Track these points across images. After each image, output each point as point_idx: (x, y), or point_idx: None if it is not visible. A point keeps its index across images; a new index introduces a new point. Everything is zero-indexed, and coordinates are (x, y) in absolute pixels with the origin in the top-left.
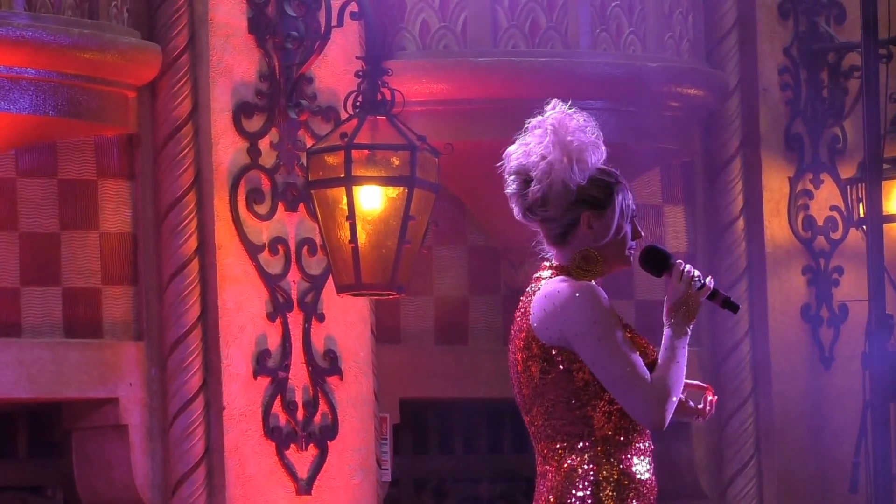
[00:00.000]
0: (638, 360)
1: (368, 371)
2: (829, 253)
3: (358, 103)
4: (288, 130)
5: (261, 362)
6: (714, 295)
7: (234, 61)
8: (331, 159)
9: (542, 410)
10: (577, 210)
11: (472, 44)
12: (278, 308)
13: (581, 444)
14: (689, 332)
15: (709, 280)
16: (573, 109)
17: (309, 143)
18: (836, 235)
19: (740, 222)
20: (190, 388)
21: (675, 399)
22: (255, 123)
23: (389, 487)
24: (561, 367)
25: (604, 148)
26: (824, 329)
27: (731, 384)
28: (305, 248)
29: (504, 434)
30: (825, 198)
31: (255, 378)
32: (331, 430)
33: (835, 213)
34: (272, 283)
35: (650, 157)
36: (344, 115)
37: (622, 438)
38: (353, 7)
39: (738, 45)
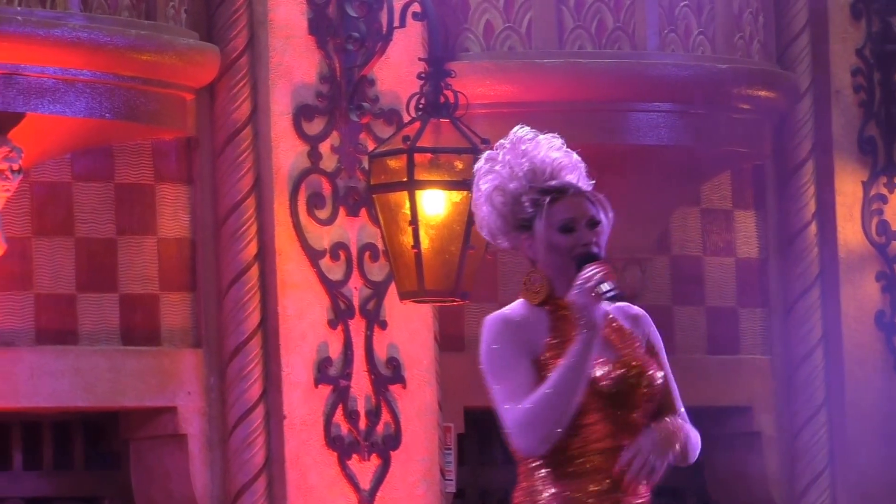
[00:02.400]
0: (512, 389)
1: (432, 379)
2: None
3: (420, 106)
4: (349, 133)
5: (322, 370)
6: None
7: (294, 63)
8: (393, 163)
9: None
10: (517, 236)
11: (537, 45)
12: (340, 315)
13: (526, 470)
14: (587, 343)
15: (592, 282)
16: (525, 132)
17: (371, 146)
18: None
19: (812, 227)
20: (250, 397)
21: (539, 425)
22: (315, 126)
23: (454, 498)
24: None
25: (556, 163)
26: None
27: (804, 393)
28: (367, 253)
29: None
30: None
31: (316, 386)
32: (394, 440)
33: None
34: (333, 289)
35: (720, 160)
36: (406, 118)
37: (557, 463)
38: (416, 7)
39: (810, 46)
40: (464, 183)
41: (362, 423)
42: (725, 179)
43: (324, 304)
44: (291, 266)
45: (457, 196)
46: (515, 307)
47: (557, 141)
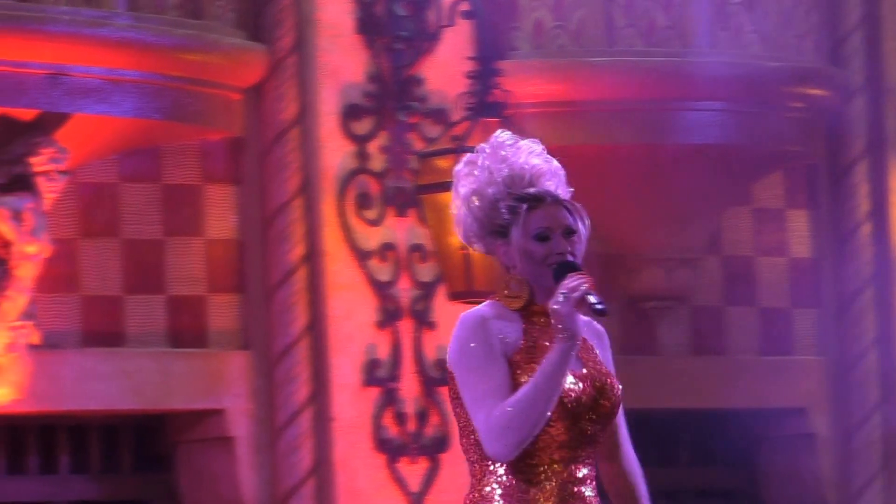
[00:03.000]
0: (489, 391)
1: None
2: None
3: (469, 105)
4: (397, 133)
5: (370, 372)
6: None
7: (342, 62)
8: (441, 163)
9: (459, 432)
10: (492, 242)
11: (587, 43)
12: (388, 316)
13: (481, 472)
14: (565, 353)
15: (577, 293)
16: (506, 137)
17: (419, 146)
18: None
19: (866, 227)
20: (298, 399)
21: (518, 428)
22: (363, 126)
23: None
24: (459, 395)
25: (535, 169)
26: None
27: (858, 394)
28: (416, 254)
29: None
30: None
31: (364, 388)
32: (443, 442)
33: None
34: (382, 290)
35: (772, 159)
36: (455, 118)
37: (514, 469)
38: (465, 5)
39: (863, 44)
40: None
41: (411, 425)
42: (777, 178)
43: (372, 305)
44: (339, 267)
45: None
46: (490, 307)
47: (538, 147)
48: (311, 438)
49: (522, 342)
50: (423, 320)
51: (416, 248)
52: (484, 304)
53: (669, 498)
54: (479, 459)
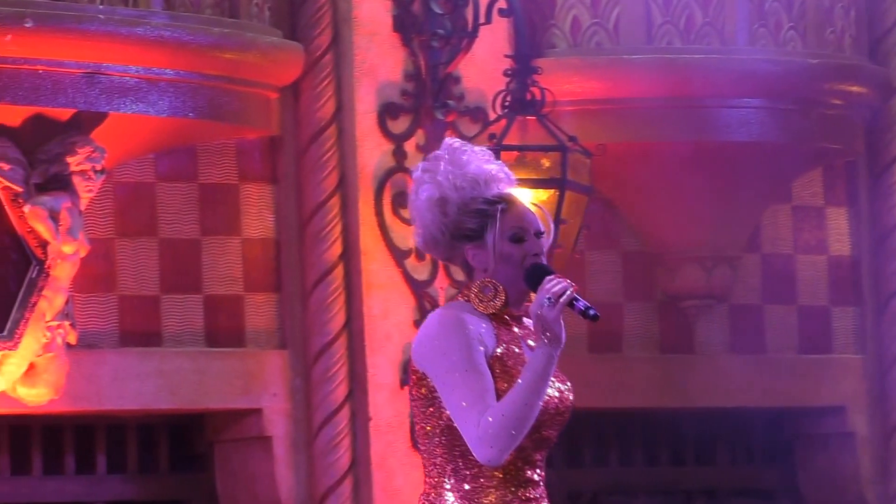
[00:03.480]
0: (479, 393)
1: None
2: None
3: (507, 103)
4: (434, 132)
5: (407, 371)
6: (572, 305)
7: (379, 60)
8: None
9: (423, 433)
10: (459, 246)
11: (625, 41)
12: (425, 315)
13: (446, 480)
14: (552, 357)
15: (563, 297)
16: (459, 143)
17: None
18: None
19: None
20: (335, 399)
21: (511, 433)
22: (400, 124)
23: None
24: (430, 396)
25: (491, 174)
26: None
27: None
28: None
29: (661, 446)
30: None
31: (402, 388)
32: None
33: None
34: (419, 289)
35: (811, 156)
36: (492, 116)
37: (471, 474)
38: (502, 3)
39: None
40: (551, 181)
41: None
42: (817, 176)
43: (409, 304)
44: (376, 266)
45: (544, 194)
46: (460, 308)
47: (489, 153)
48: (348, 438)
49: (497, 347)
50: None
51: None
52: (453, 303)
53: (708, 496)
54: (443, 462)
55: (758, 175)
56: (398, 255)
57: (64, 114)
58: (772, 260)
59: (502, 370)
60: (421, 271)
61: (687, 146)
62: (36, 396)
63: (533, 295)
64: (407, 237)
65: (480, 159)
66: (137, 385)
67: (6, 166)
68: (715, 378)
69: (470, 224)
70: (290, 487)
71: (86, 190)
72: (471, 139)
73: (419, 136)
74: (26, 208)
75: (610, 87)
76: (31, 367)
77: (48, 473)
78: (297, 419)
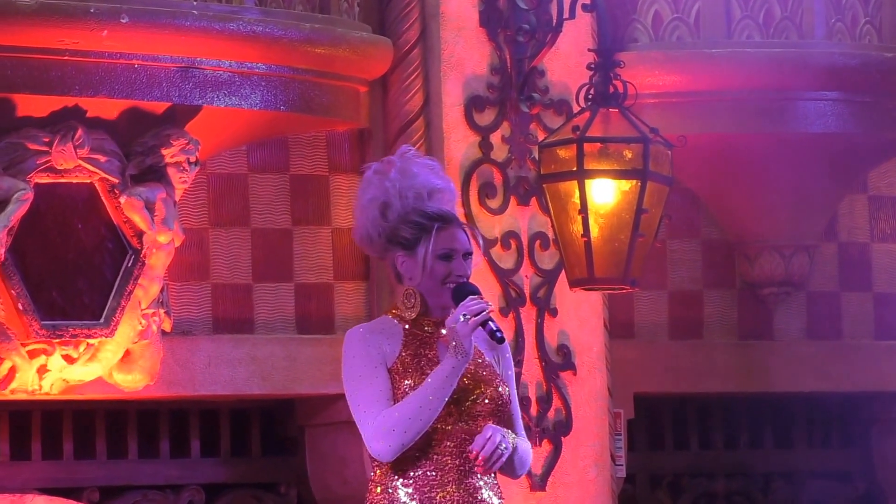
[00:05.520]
0: (374, 397)
1: (602, 366)
2: None
3: (590, 96)
4: (520, 124)
5: None
6: (484, 325)
7: (466, 55)
8: (563, 153)
9: None
10: (391, 250)
11: (706, 35)
12: (511, 303)
13: (371, 472)
14: (456, 368)
15: (478, 316)
16: (413, 153)
17: (541, 136)
18: None
19: None
20: None
21: (403, 432)
22: (486, 117)
23: (624, 483)
24: None
25: (437, 188)
26: None
27: None
28: (538, 242)
29: (740, 429)
30: None
31: None
32: (565, 426)
33: None
34: (505, 277)
35: (886, 147)
36: (576, 108)
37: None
38: None
39: None
40: (633, 172)
41: (534, 410)
42: (892, 166)
43: (495, 291)
44: None
45: (626, 185)
46: (375, 323)
47: (438, 165)
48: None
49: (402, 352)
50: (545, 306)
51: (537, 236)
52: (376, 319)
53: (786, 479)
54: (381, 463)
55: (834, 165)
56: (484, 244)
57: (159, 107)
58: (848, 248)
59: (406, 371)
60: (506, 260)
61: (765, 138)
62: (132, 382)
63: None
64: (493, 226)
65: (430, 172)
66: (230, 371)
67: (103, 158)
68: (792, 363)
69: (405, 234)
70: None
71: (180, 181)
72: (554, 131)
73: (504, 129)
74: (122, 199)
75: (690, 80)
76: (127, 353)
77: (143, 457)
78: None
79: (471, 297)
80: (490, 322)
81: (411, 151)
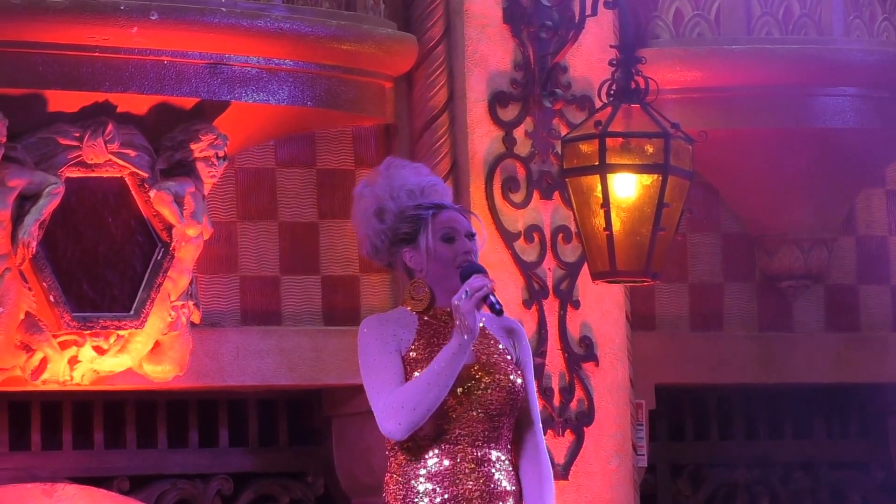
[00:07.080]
0: (386, 381)
1: (624, 357)
2: None
3: (612, 91)
4: (542, 119)
5: None
6: (485, 300)
7: (489, 51)
8: (585, 147)
9: None
10: (397, 250)
11: (726, 31)
12: (534, 295)
13: (395, 456)
14: (462, 345)
15: (479, 292)
16: (398, 161)
17: (563, 131)
18: None
19: None
20: None
21: (412, 409)
22: (509, 112)
23: (646, 473)
24: None
25: (430, 184)
26: None
27: None
28: (560, 235)
29: (760, 420)
30: None
31: None
32: (587, 416)
33: None
34: (528, 270)
35: None
36: (598, 104)
37: (412, 452)
38: None
39: None
40: (654, 166)
41: (556, 400)
42: None
43: (518, 284)
44: (487, 248)
45: (647, 179)
46: (391, 313)
47: (425, 169)
48: None
49: (416, 341)
50: (568, 299)
51: (560, 230)
52: (391, 310)
53: (805, 469)
54: (396, 454)
55: (852, 160)
56: (507, 237)
57: (188, 102)
58: (866, 241)
59: (420, 361)
60: (530, 253)
61: (784, 133)
62: (161, 373)
63: None
64: (516, 220)
65: (419, 173)
66: (258, 362)
67: (133, 153)
68: (811, 355)
69: (405, 228)
70: None
71: (209, 175)
72: (577, 126)
73: (528, 124)
74: (152, 193)
75: (711, 76)
76: (157, 345)
77: (173, 447)
78: None
79: (475, 275)
80: (491, 295)
81: (397, 160)
